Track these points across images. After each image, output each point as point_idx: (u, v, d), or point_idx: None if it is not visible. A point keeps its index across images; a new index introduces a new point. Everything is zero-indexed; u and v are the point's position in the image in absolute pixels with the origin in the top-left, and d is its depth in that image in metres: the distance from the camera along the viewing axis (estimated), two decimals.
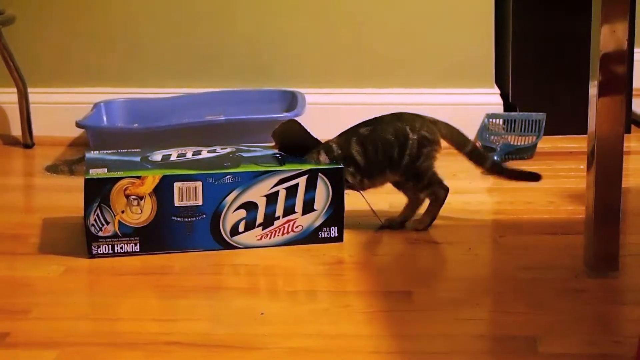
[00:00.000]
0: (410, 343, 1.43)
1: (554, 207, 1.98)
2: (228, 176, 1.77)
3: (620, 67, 1.56)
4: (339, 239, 1.82)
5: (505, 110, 2.57)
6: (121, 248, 1.76)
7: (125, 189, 1.75)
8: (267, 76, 2.58)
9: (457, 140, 1.90)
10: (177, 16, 2.60)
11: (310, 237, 1.81)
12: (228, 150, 1.92)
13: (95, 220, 1.75)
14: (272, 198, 1.78)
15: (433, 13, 2.57)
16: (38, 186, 2.34)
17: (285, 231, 1.80)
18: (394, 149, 1.84)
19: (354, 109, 2.55)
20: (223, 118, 2.34)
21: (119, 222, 1.76)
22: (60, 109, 2.59)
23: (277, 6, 2.58)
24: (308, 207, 1.80)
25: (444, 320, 1.51)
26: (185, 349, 1.42)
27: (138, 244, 1.77)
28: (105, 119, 2.45)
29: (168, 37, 2.61)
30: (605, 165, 1.60)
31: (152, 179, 1.75)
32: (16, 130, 2.58)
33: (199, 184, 1.76)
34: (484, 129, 2.49)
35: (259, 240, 1.80)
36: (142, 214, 1.76)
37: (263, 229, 1.79)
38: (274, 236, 1.80)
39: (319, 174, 1.79)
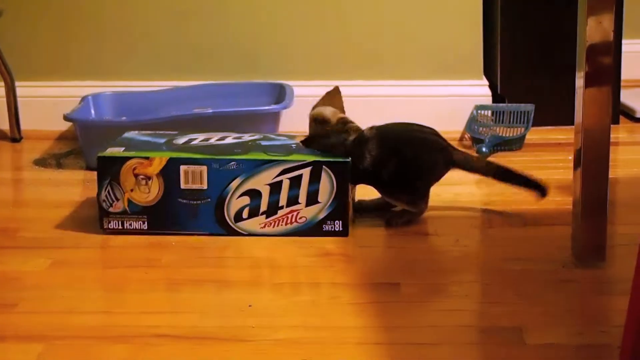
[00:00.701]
0: (398, 334, 1.43)
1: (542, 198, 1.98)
2: (232, 163, 1.79)
3: (607, 58, 1.57)
4: (344, 233, 1.81)
5: (493, 101, 2.57)
6: (130, 225, 1.81)
7: (134, 169, 1.80)
8: (256, 68, 2.58)
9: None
10: (165, 10, 2.59)
11: (314, 229, 1.80)
12: (253, 137, 1.93)
13: (106, 196, 1.81)
14: (275, 187, 1.79)
15: (421, 4, 2.56)
16: (26, 180, 2.33)
17: (288, 221, 1.80)
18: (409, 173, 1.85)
19: (343, 101, 2.55)
20: (211, 111, 2.33)
21: (129, 200, 1.81)
22: (48, 103, 2.58)
23: None
24: (312, 199, 1.79)
25: (432, 311, 1.51)
26: (173, 341, 1.42)
27: (146, 222, 1.81)
28: (93, 112, 2.44)
29: (157, 31, 2.60)
30: (592, 156, 1.60)
31: (159, 160, 1.80)
32: (4, 124, 2.57)
33: (204, 168, 1.79)
34: (472, 121, 2.49)
35: (262, 228, 1.80)
36: (149, 193, 1.80)
37: (267, 217, 1.80)
38: (278, 225, 1.80)
39: (324, 166, 1.79)
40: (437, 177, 1.88)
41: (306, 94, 2.49)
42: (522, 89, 2.56)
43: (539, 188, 1.89)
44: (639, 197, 2.03)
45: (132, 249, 1.78)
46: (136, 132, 2.00)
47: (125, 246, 1.80)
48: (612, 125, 1.61)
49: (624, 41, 2.51)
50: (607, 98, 1.58)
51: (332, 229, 1.81)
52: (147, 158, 1.81)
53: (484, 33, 2.58)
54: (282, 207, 1.80)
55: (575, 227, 1.65)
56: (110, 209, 1.82)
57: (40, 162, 2.37)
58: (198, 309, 1.53)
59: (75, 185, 2.21)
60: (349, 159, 1.82)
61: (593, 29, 1.55)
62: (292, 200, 1.79)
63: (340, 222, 1.81)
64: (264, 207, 1.80)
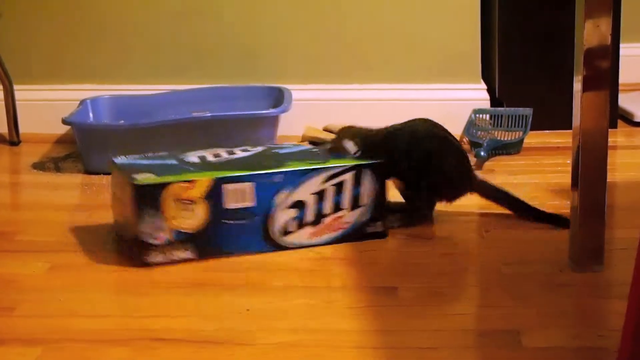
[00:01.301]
0: (395, 338, 1.43)
1: (540, 201, 1.98)
2: (278, 175, 1.72)
3: (605, 62, 1.57)
4: (384, 234, 1.80)
5: (492, 105, 2.57)
6: (177, 256, 1.69)
7: (176, 194, 1.68)
8: (254, 72, 2.58)
9: None
10: (164, 14, 2.59)
11: (358, 233, 1.78)
12: (261, 149, 1.88)
13: (148, 228, 1.67)
14: (321, 195, 1.75)
15: (419, 8, 2.57)
16: (24, 183, 2.33)
17: (334, 228, 1.77)
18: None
19: (341, 105, 2.55)
20: (209, 114, 2.34)
21: (172, 230, 1.68)
22: (46, 106, 2.58)
23: (263, 3, 2.58)
24: (355, 203, 1.77)
25: (429, 315, 1.51)
26: (171, 345, 1.42)
27: (192, 251, 1.70)
28: (91, 115, 2.44)
29: (155, 34, 2.60)
30: (590, 160, 1.60)
31: (203, 181, 1.69)
32: (2, 128, 2.57)
33: (249, 185, 1.71)
34: (470, 125, 2.49)
35: (309, 239, 1.76)
36: (194, 218, 1.68)
37: (313, 227, 1.76)
38: (324, 233, 1.76)
39: (364, 169, 1.77)
40: (454, 194, 1.89)
41: (304, 98, 2.50)
42: (520, 92, 2.56)
43: (557, 221, 1.85)
44: (637, 201, 2.03)
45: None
46: (125, 157, 1.84)
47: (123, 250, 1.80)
48: (610, 129, 1.61)
49: (621, 45, 2.52)
50: (604, 102, 1.58)
51: (375, 231, 1.79)
52: (189, 181, 1.68)
53: (482, 37, 2.58)
54: (326, 215, 1.76)
55: (573, 230, 1.66)
56: (154, 241, 1.67)
57: (39, 166, 2.37)
58: (196, 312, 1.53)
59: (74, 189, 2.21)
60: (383, 160, 1.81)
61: (591, 32, 1.55)
62: (337, 207, 1.76)
63: (381, 223, 1.79)
64: (310, 217, 1.75)
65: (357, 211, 1.77)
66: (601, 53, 1.56)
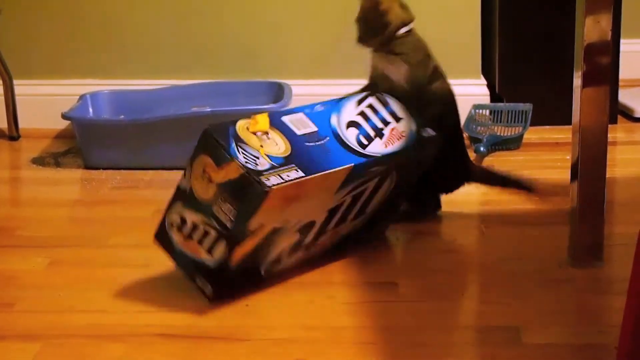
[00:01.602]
0: (394, 334, 1.43)
1: (539, 197, 1.98)
2: (317, 105, 1.69)
3: (605, 57, 1.56)
4: (437, 138, 1.77)
5: (491, 101, 2.57)
6: (287, 175, 1.55)
7: (248, 128, 1.59)
8: (254, 67, 2.58)
9: None
10: (164, 9, 2.59)
11: (418, 140, 1.74)
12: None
13: (245, 157, 1.54)
14: (364, 115, 1.73)
15: (420, 4, 2.56)
16: (24, 179, 2.33)
17: (397, 137, 1.73)
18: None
19: None
20: (209, 110, 2.33)
21: (267, 155, 1.57)
22: (46, 101, 2.58)
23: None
24: (395, 116, 1.75)
25: (428, 311, 1.51)
26: (170, 340, 1.42)
27: (298, 170, 1.57)
28: (91, 110, 2.44)
29: (155, 29, 2.60)
30: (590, 156, 1.60)
31: (262, 116, 1.62)
32: (2, 123, 2.57)
33: (302, 114, 1.67)
34: (470, 120, 2.49)
35: (385, 147, 1.70)
36: (278, 144, 1.60)
37: (381, 139, 1.70)
38: (393, 142, 1.72)
39: (380, 93, 1.77)
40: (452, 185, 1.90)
41: (304, 93, 2.49)
42: (520, 88, 2.56)
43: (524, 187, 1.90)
44: (637, 196, 2.02)
45: (129, 249, 1.78)
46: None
47: (122, 245, 1.80)
48: (610, 125, 1.61)
49: (622, 41, 2.51)
50: (604, 97, 1.58)
51: (429, 135, 1.77)
52: (250, 117, 1.61)
53: (483, 32, 2.58)
54: (383, 129, 1.73)
55: (572, 226, 1.65)
56: (259, 167, 1.53)
57: (38, 161, 2.37)
58: (195, 308, 1.53)
59: (73, 184, 2.21)
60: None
61: (591, 28, 1.55)
62: (384, 121, 1.74)
63: (427, 128, 1.77)
64: (371, 132, 1.70)
65: (403, 122, 1.75)
66: (601, 49, 1.56)
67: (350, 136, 1.69)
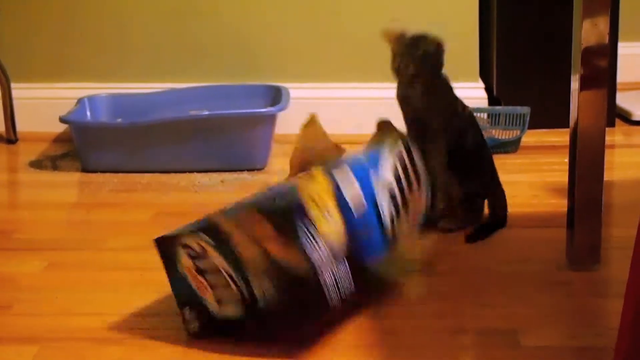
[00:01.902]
0: (391, 337, 1.43)
1: (537, 200, 1.98)
2: (362, 156, 1.49)
3: (602, 60, 1.57)
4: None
5: (489, 104, 2.57)
6: (343, 286, 1.37)
7: (310, 195, 1.35)
8: (252, 71, 2.58)
9: None
10: (162, 12, 2.59)
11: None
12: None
13: (306, 239, 1.32)
14: (397, 179, 1.51)
15: (417, 6, 2.57)
16: (22, 182, 2.33)
17: (417, 212, 1.56)
18: None
19: (339, 104, 2.55)
20: (207, 113, 2.34)
21: (324, 236, 1.34)
22: (44, 105, 2.58)
23: (261, 1, 2.58)
24: (418, 176, 1.55)
25: (425, 314, 1.51)
26: (169, 343, 1.42)
27: (349, 272, 1.38)
28: (89, 114, 2.44)
29: (153, 33, 2.60)
30: (587, 159, 1.60)
31: (317, 171, 1.40)
32: None
33: (346, 167, 1.43)
34: None
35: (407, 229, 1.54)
36: (334, 218, 1.36)
37: (405, 212, 1.51)
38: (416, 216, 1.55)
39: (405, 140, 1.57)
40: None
41: (302, 96, 2.50)
42: (517, 91, 2.56)
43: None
44: (634, 199, 2.02)
45: (127, 251, 1.78)
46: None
47: (120, 248, 1.80)
48: (608, 128, 1.62)
49: (620, 44, 2.52)
50: (602, 101, 1.58)
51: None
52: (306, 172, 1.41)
53: (480, 35, 2.58)
54: (408, 201, 1.51)
55: (570, 229, 1.65)
56: (317, 261, 1.32)
57: (36, 164, 2.37)
58: None
59: (71, 187, 2.21)
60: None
61: (588, 31, 1.55)
62: (410, 184, 1.53)
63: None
64: (400, 203, 1.49)
65: (424, 187, 1.55)
66: (599, 52, 1.56)
67: (385, 207, 1.45)
